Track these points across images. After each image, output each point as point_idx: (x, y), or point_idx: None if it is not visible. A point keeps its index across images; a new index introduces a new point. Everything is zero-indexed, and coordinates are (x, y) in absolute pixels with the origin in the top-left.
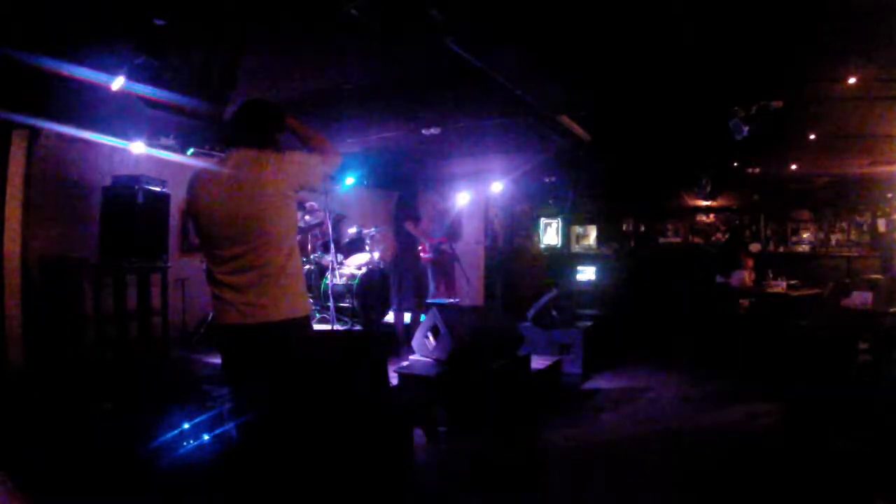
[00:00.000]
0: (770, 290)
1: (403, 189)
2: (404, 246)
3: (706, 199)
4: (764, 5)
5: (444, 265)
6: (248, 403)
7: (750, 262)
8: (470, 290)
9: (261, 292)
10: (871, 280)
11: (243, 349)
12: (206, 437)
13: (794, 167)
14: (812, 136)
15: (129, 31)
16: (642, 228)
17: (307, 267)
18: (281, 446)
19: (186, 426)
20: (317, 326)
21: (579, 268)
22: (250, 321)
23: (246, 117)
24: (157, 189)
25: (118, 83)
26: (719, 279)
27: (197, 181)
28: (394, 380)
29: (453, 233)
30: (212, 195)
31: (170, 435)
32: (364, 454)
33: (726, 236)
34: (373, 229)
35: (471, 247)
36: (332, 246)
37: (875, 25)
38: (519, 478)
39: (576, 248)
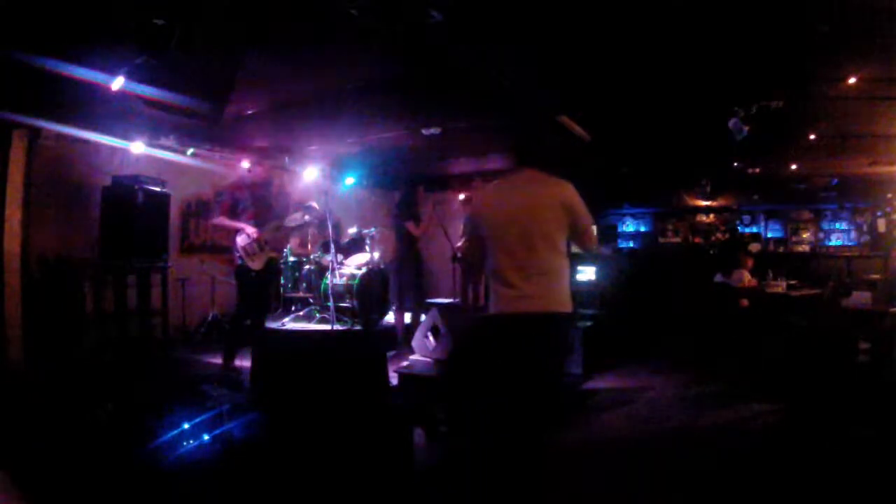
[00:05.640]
0: (770, 290)
1: (403, 189)
2: (405, 246)
3: (706, 199)
4: (765, 5)
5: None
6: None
7: (750, 262)
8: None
9: (538, 287)
10: (871, 280)
11: (516, 335)
12: (206, 437)
13: (794, 167)
14: (812, 136)
15: (129, 31)
16: (642, 228)
17: (307, 267)
18: (281, 447)
19: (186, 426)
20: (317, 327)
21: (579, 268)
22: (526, 309)
23: (536, 143)
24: (157, 189)
25: (118, 83)
26: (719, 279)
27: (485, 196)
28: (394, 380)
29: None
30: (505, 204)
31: (170, 435)
32: (364, 454)
33: (726, 236)
34: (373, 229)
35: None
36: (333, 246)
37: (875, 25)
38: (519, 478)
39: (576, 248)
